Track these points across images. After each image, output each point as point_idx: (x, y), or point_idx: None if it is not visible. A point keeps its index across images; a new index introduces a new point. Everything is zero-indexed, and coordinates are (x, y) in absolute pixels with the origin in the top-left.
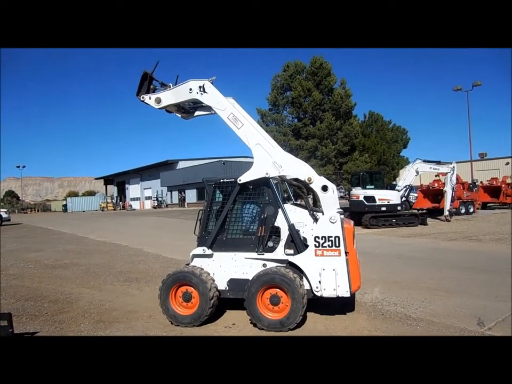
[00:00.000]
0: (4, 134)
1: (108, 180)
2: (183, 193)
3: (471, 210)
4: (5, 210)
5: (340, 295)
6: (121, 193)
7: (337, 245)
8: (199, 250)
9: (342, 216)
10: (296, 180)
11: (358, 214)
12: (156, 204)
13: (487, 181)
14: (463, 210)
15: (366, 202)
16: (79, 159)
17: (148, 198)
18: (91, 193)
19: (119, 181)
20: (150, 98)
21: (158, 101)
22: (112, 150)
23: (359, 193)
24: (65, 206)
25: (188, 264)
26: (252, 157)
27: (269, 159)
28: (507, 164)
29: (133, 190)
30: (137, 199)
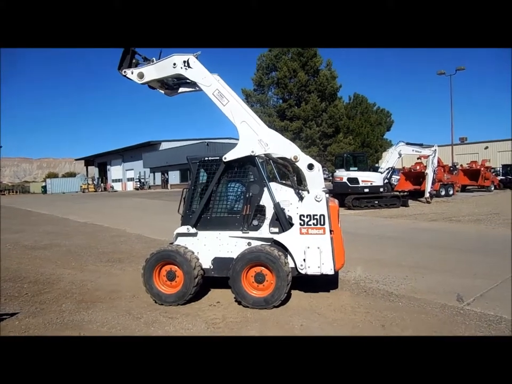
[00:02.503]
0: None
1: (88, 161)
2: (166, 174)
3: (451, 192)
4: None
5: (324, 273)
6: (103, 174)
7: (322, 223)
8: (183, 229)
9: (327, 195)
10: (282, 158)
11: (341, 195)
12: (139, 186)
13: (467, 164)
14: (443, 193)
15: (349, 184)
16: (58, 140)
17: (130, 179)
18: (71, 175)
19: (101, 162)
20: (132, 73)
21: (141, 75)
22: (94, 130)
23: (343, 174)
24: (44, 187)
25: (171, 243)
26: (237, 139)
27: (255, 137)
28: (486, 148)
29: (115, 171)
30: (119, 180)
